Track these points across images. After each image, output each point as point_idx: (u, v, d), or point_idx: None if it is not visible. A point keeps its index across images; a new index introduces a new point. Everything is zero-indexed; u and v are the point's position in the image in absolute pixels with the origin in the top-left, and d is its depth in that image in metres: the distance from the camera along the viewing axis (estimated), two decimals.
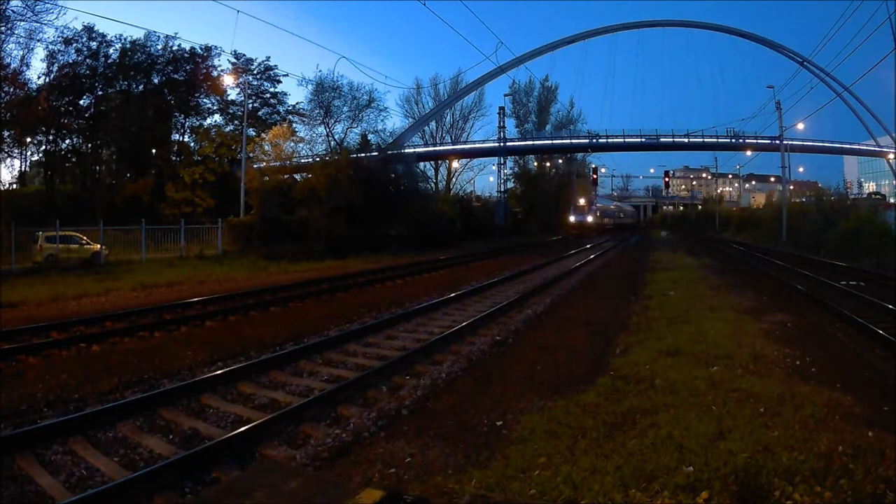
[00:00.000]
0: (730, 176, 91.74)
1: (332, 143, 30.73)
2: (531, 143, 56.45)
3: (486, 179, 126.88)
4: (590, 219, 50.63)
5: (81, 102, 33.76)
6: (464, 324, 8.47)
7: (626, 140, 55.65)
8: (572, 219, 50.29)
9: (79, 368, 6.34)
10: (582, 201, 52.12)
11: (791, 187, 55.21)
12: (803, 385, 5.20)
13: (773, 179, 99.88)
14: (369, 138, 32.99)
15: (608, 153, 65.41)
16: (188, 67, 36.20)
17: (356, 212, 24.83)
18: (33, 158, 37.81)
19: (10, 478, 3.86)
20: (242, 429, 4.46)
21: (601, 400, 4.87)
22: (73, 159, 34.84)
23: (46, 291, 11.86)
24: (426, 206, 30.62)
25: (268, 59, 39.45)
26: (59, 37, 30.73)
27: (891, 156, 58.37)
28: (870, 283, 13.71)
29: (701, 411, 4.40)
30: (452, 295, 11.39)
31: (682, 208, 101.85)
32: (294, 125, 35.80)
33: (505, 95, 56.81)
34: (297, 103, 41.11)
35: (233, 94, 38.71)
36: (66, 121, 33.11)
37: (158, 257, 19.65)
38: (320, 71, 48.19)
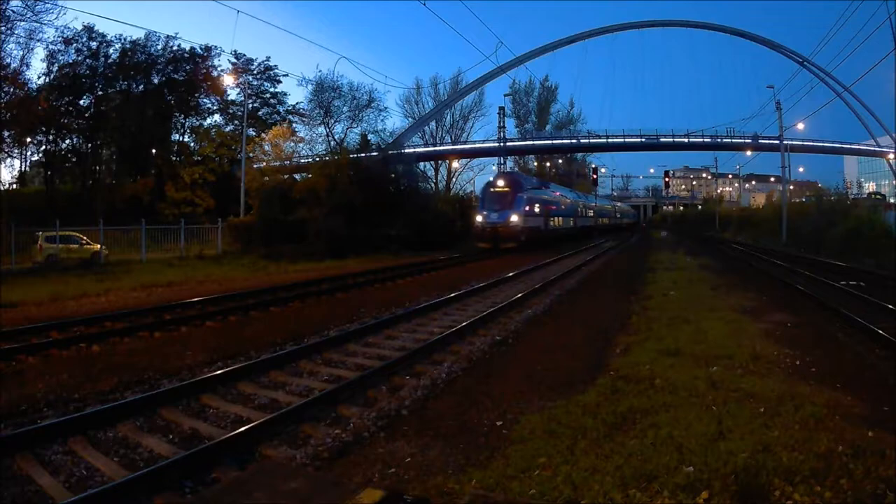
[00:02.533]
0: (730, 176, 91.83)
1: (332, 143, 30.80)
2: (531, 143, 56.55)
3: (486, 179, 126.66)
4: (515, 218, 25.20)
5: (81, 102, 33.87)
6: (464, 324, 8.47)
7: (626, 140, 55.74)
8: (479, 219, 26.06)
9: (79, 368, 6.33)
10: (501, 183, 26.85)
11: (791, 187, 55.29)
12: (803, 385, 5.20)
13: (773, 179, 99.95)
14: (369, 138, 33.07)
15: (608, 153, 65.39)
16: (188, 67, 36.28)
17: (356, 212, 24.83)
18: (33, 158, 37.87)
19: (10, 478, 3.86)
20: (242, 429, 4.46)
21: (601, 400, 4.87)
22: (73, 159, 34.88)
23: (46, 291, 11.85)
24: (426, 206, 30.61)
25: (268, 59, 39.62)
26: (59, 37, 30.83)
27: (891, 156, 58.39)
28: (870, 283, 13.71)
29: (701, 411, 4.39)
30: (452, 295, 11.38)
31: (682, 208, 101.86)
32: (294, 125, 35.98)
33: (505, 95, 55.92)
34: (297, 103, 41.31)
35: (233, 94, 38.83)
36: (66, 121, 33.16)
37: (158, 257, 19.66)
38: (320, 71, 48.47)
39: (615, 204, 65.86)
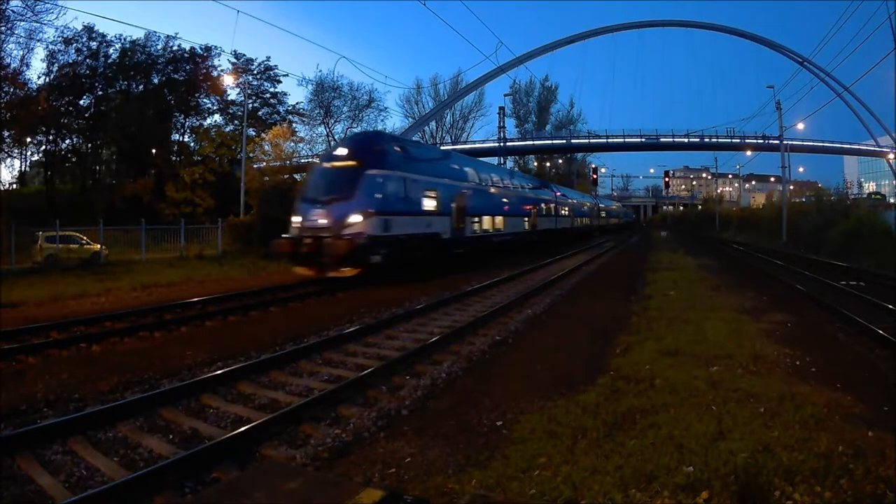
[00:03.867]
0: (730, 176, 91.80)
1: (332, 143, 30.78)
2: (531, 143, 56.67)
3: None
4: (356, 219, 12.41)
5: (81, 102, 33.96)
6: (464, 324, 8.47)
7: (626, 140, 55.87)
8: (296, 220, 13.69)
9: (79, 368, 6.33)
10: (342, 153, 13.98)
11: (791, 187, 55.29)
12: (803, 385, 5.20)
13: (773, 179, 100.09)
14: None
15: (608, 153, 65.60)
16: (188, 67, 36.33)
17: None
18: (33, 158, 37.96)
19: (10, 478, 3.86)
20: (242, 429, 4.45)
21: (601, 400, 4.87)
22: (73, 159, 34.94)
23: (46, 291, 11.85)
24: None
25: (268, 59, 39.63)
26: (59, 37, 30.94)
27: (891, 156, 58.44)
28: (870, 283, 13.71)
29: (701, 411, 4.40)
30: (453, 295, 11.38)
31: (682, 208, 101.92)
32: (294, 125, 35.95)
33: (505, 95, 55.96)
34: (297, 103, 41.40)
35: (233, 94, 38.87)
36: (66, 121, 33.23)
37: (158, 257, 19.66)
38: (320, 71, 48.48)
39: (598, 202, 49.88)
